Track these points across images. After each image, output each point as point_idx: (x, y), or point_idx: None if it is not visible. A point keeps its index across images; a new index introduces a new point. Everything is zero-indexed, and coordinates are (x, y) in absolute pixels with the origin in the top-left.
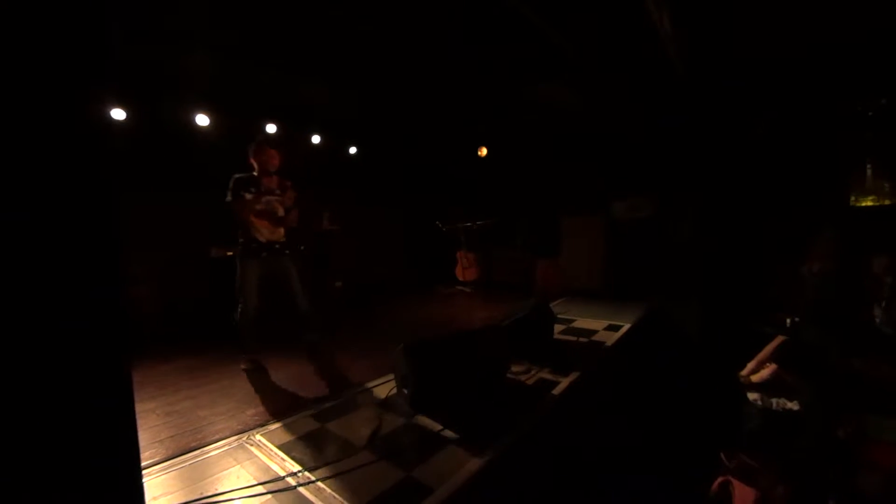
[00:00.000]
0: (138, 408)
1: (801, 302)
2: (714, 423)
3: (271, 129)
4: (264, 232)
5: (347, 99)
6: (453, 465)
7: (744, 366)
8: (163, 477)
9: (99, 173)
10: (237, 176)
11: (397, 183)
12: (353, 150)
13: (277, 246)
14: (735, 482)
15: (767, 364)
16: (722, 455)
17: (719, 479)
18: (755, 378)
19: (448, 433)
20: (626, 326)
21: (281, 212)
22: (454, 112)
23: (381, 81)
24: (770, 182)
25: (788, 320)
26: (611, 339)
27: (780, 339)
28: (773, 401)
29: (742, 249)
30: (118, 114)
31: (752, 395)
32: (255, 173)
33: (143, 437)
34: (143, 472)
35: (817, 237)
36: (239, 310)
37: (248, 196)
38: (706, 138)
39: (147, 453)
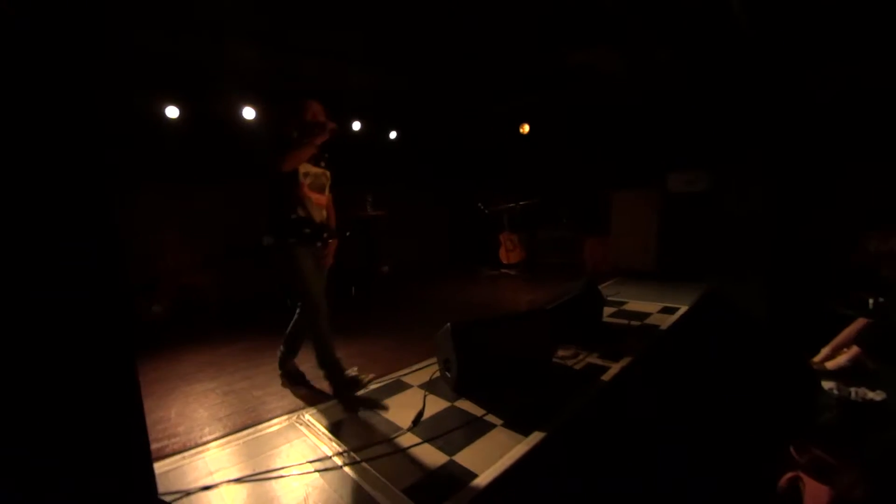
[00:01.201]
0: (200, 387)
1: (887, 278)
2: (783, 415)
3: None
4: (315, 212)
5: (387, 83)
6: (497, 450)
7: (817, 351)
8: (221, 452)
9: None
10: (278, 137)
11: (439, 166)
12: (393, 135)
13: (325, 234)
14: (806, 479)
15: (846, 349)
16: (791, 449)
17: (788, 476)
18: (831, 365)
19: (491, 418)
20: (683, 309)
21: (327, 190)
22: (494, 88)
23: (418, 60)
24: (846, 140)
25: (871, 300)
26: (666, 322)
27: (861, 321)
28: (852, 390)
29: (814, 220)
30: (172, 111)
31: (827, 384)
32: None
33: (204, 415)
34: (204, 447)
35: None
36: (310, 318)
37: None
38: (772, 98)
39: (207, 429)
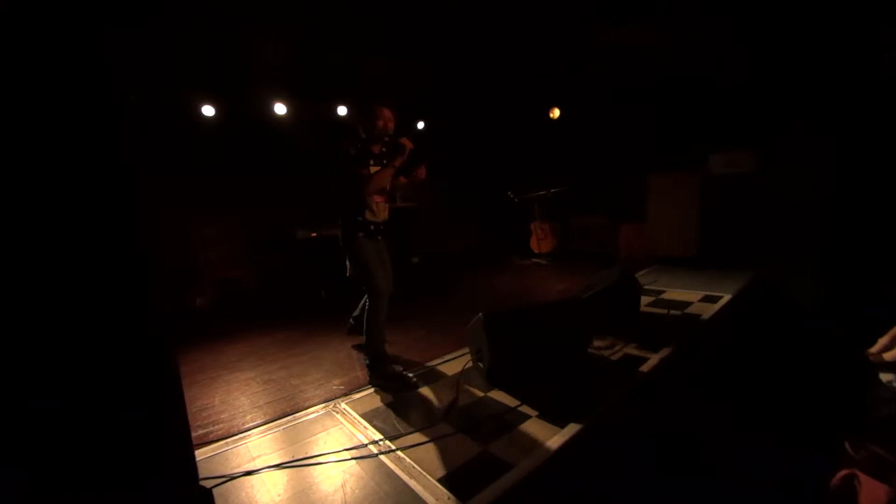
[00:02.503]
0: (242, 376)
1: None
2: (837, 409)
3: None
4: (380, 212)
5: (414, 71)
6: (531, 441)
7: (874, 341)
8: (262, 439)
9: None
10: (347, 142)
11: (469, 155)
12: (420, 125)
13: (383, 227)
14: (862, 477)
15: None
16: (847, 445)
17: (843, 473)
18: (889, 356)
19: (526, 409)
20: (727, 297)
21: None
22: (522, 72)
23: (446, 47)
24: None
25: None
26: (708, 311)
27: None
28: None
29: (870, 203)
30: (208, 110)
31: (885, 377)
32: (367, 143)
33: (245, 403)
34: (246, 433)
35: None
36: (368, 306)
37: (373, 169)
38: (823, 73)
39: (248, 416)
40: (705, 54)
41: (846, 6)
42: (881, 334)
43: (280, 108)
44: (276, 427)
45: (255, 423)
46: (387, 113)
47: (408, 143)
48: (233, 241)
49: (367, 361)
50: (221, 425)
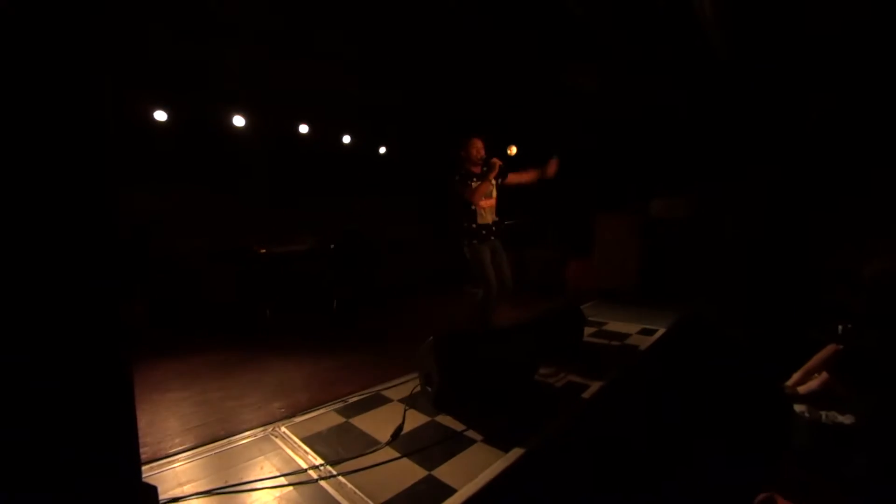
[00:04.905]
0: (173, 396)
1: (857, 306)
2: (757, 436)
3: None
4: (488, 215)
5: (379, 97)
6: (476, 465)
7: (790, 375)
8: (191, 464)
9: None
10: (459, 172)
11: (429, 182)
12: (382, 149)
13: (495, 228)
14: (779, 499)
15: (816, 374)
16: (766, 469)
17: (762, 496)
18: (802, 389)
19: (472, 433)
20: (661, 331)
21: (494, 194)
22: (481, 111)
23: (406, 78)
24: (821, 174)
25: (841, 327)
26: (644, 343)
27: (832, 347)
28: (823, 414)
29: (788, 248)
30: (160, 115)
31: (798, 407)
32: (468, 166)
33: (175, 425)
34: (173, 458)
35: (876, 233)
36: (481, 294)
37: (474, 184)
38: (751, 129)
39: (178, 440)
40: (646, 102)
41: (772, 76)
42: (796, 368)
43: (238, 121)
44: (207, 451)
45: (184, 447)
46: (478, 142)
47: (498, 161)
48: (175, 250)
49: None
50: (146, 448)
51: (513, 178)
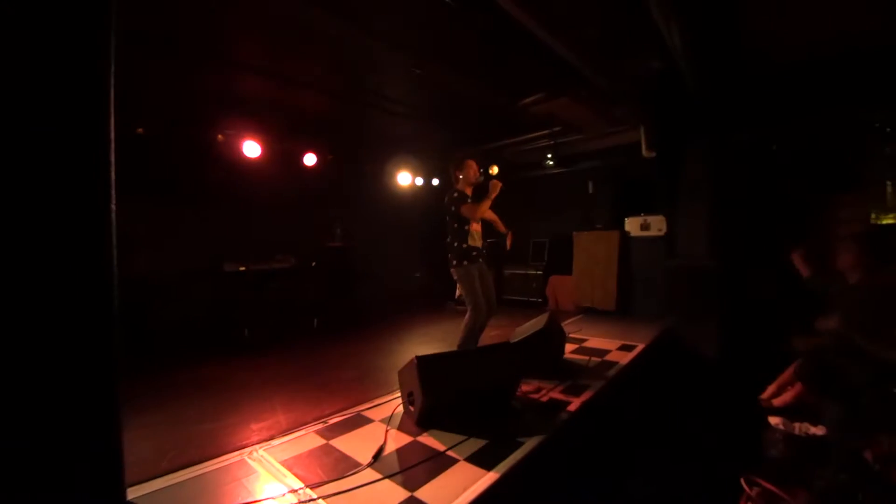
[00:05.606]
0: (147, 419)
1: (824, 320)
2: (734, 448)
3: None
4: (478, 239)
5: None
6: (458, 485)
7: (765, 389)
8: (165, 490)
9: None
10: (455, 193)
11: (408, 200)
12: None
13: (485, 251)
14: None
15: (790, 387)
16: (742, 481)
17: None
18: (777, 402)
19: (454, 452)
20: (641, 347)
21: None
22: (461, 127)
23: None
24: (786, 199)
25: (812, 340)
26: (624, 359)
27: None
28: (796, 425)
29: (760, 266)
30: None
31: (773, 420)
32: (459, 187)
33: (149, 448)
34: (147, 483)
35: (841, 248)
36: (468, 314)
37: (471, 203)
38: (719, 154)
39: (151, 465)
40: (618, 127)
41: (738, 106)
42: (771, 382)
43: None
44: (181, 476)
45: (158, 473)
46: (474, 164)
47: (499, 183)
48: (150, 268)
49: None
50: None
51: (490, 213)
